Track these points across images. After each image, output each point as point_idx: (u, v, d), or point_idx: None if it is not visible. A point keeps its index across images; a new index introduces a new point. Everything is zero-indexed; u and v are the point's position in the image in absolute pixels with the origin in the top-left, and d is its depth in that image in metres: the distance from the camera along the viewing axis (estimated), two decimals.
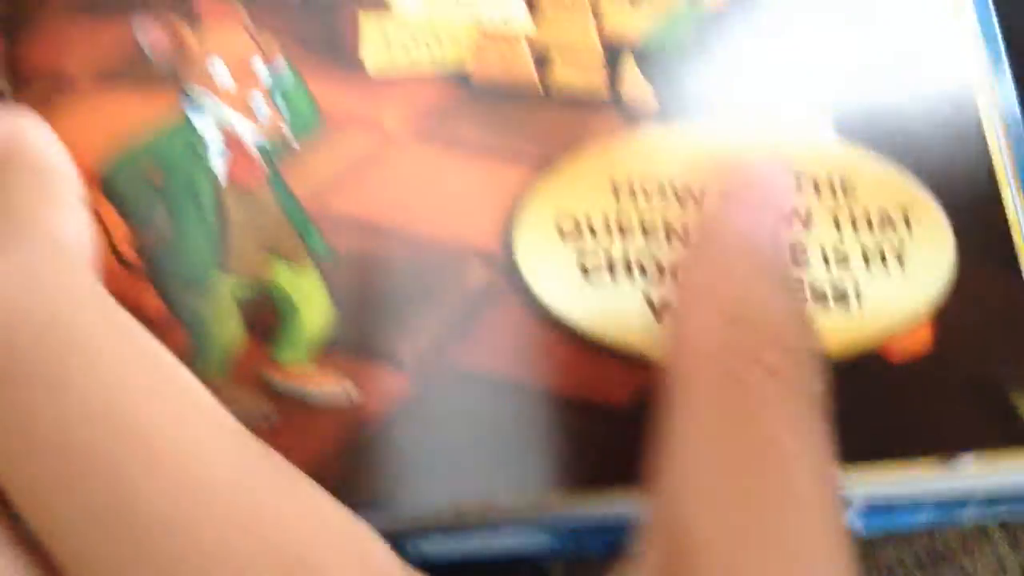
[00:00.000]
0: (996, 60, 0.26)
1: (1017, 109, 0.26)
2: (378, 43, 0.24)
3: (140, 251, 0.22)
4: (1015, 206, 0.25)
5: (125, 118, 0.23)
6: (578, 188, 0.24)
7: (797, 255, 0.23)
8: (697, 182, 0.24)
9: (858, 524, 0.23)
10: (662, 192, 0.24)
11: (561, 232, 0.23)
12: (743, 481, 0.17)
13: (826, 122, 0.25)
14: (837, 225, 0.24)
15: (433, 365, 0.22)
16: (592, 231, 0.23)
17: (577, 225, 0.24)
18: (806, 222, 0.24)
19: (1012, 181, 0.25)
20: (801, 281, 0.23)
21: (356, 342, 0.22)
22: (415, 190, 0.23)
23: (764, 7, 0.26)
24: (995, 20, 0.27)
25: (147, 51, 0.23)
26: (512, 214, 0.23)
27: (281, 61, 0.24)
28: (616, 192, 0.24)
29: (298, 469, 0.17)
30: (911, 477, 0.22)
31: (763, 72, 0.25)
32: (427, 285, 0.23)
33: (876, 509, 0.23)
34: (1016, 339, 0.23)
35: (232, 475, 0.16)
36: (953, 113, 0.25)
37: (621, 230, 0.24)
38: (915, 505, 0.23)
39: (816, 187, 0.24)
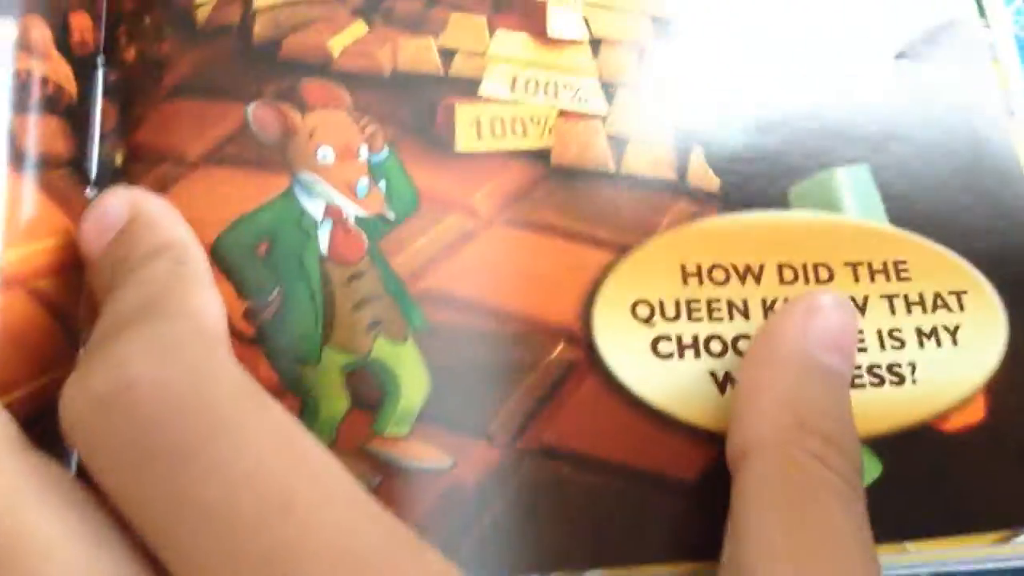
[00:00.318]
0: None
1: None
2: (470, 129, 0.26)
3: (252, 323, 0.24)
4: None
5: (236, 197, 0.24)
6: (649, 272, 0.26)
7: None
8: (758, 263, 0.26)
9: None
10: (727, 275, 0.26)
11: (635, 313, 0.25)
12: (812, 556, 0.21)
13: (878, 207, 0.27)
14: (892, 308, 0.26)
15: (520, 437, 0.24)
16: (663, 313, 0.25)
17: (649, 307, 0.25)
18: (863, 308, 0.26)
19: None
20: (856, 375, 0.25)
21: (450, 412, 0.24)
22: (504, 269, 0.25)
23: (814, 99, 0.28)
24: None
25: (258, 135, 0.25)
26: (591, 295, 0.25)
27: (383, 143, 0.25)
28: (685, 276, 0.26)
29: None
30: (970, 552, 0.24)
31: (817, 157, 0.27)
32: (515, 360, 0.25)
33: None
34: None
35: (373, 541, 0.18)
36: (1002, 193, 0.27)
37: (689, 312, 0.25)
38: None
39: (871, 272, 0.26)
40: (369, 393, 0.24)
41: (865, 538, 0.21)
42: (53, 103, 0.25)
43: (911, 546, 0.24)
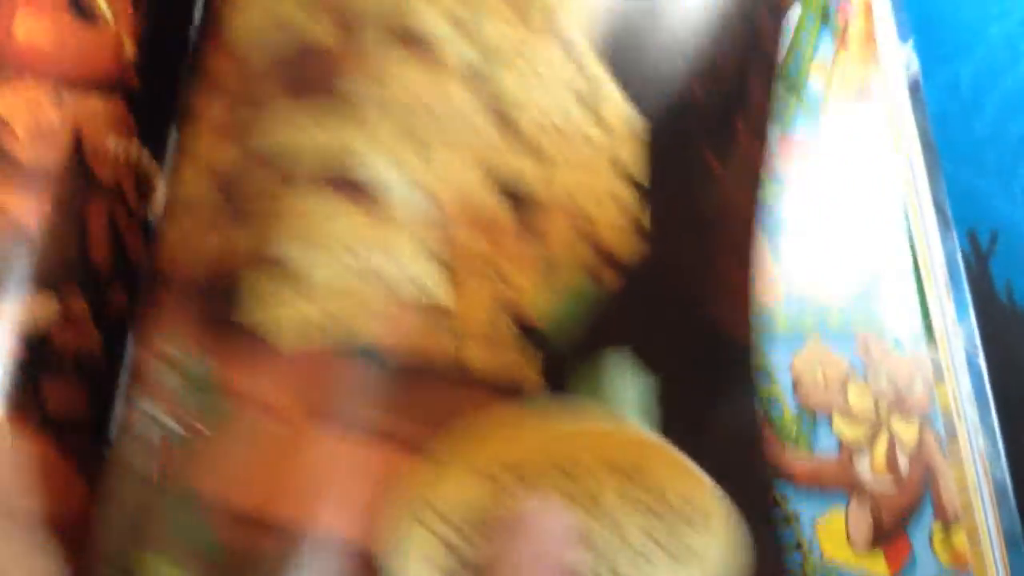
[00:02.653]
0: None
1: None
2: (291, 318, 0.21)
3: None
4: None
5: None
6: (449, 483, 0.22)
7: None
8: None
9: None
10: (519, 481, 0.22)
11: (431, 531, 0.22)
12: None
13: None
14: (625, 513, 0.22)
15: None
16: (455, 529, 0.22)
17: (443, 523, 0.22)
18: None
19: None
20: None
21: None
22: (308, 479, 0.21)
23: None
24: None
25: None
26: (395, 510, 0.21)
27: (197, 348, 0.22)
28: (481, 483, 0.22)
29: None
30: None
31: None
32: None
33: None
34: None
35: None
36: None
37: (480, 527, 0.22)
38: None
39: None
40: None
41: None
42: (82, 371, 0.26)
43: None
